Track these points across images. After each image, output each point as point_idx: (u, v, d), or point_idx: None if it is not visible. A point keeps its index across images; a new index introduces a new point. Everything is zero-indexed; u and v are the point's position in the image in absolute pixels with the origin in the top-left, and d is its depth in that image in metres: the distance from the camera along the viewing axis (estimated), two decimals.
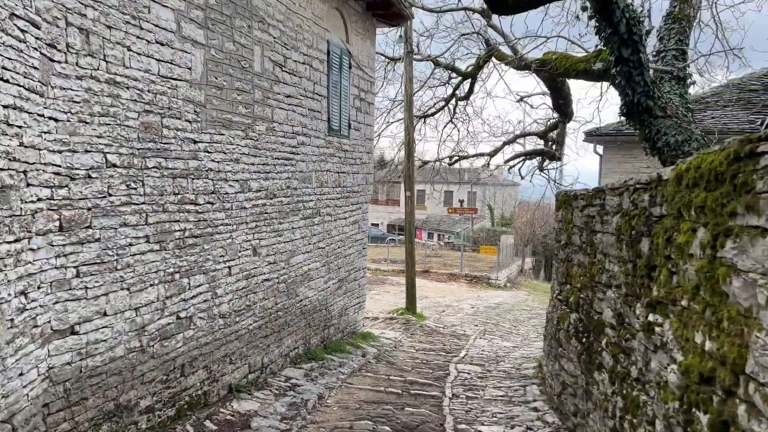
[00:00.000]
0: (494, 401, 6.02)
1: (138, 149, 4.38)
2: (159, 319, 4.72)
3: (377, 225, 54.10)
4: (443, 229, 47.97)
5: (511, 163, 12.47)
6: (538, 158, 12.41)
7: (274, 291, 6.52)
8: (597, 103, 11.27)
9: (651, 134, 6.89)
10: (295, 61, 6.73)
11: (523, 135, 12.07)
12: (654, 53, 7.64)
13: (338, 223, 8.18)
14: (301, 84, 6.89)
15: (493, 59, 10.66)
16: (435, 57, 11.84)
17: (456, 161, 12.89)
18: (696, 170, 2.48)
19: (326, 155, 7.69)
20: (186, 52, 4.87)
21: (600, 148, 14.46)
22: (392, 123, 13.61)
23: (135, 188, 4.37)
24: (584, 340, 4.57)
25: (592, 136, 13.52)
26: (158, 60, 4.56)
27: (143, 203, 4.46)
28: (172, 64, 4.71)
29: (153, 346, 4.67)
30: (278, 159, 6.42)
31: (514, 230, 34.61)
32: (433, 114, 13.04)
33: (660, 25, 7.81)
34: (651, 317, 3.09)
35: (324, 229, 7.71)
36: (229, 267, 5.58)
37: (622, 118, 7.39)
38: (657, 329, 2.98)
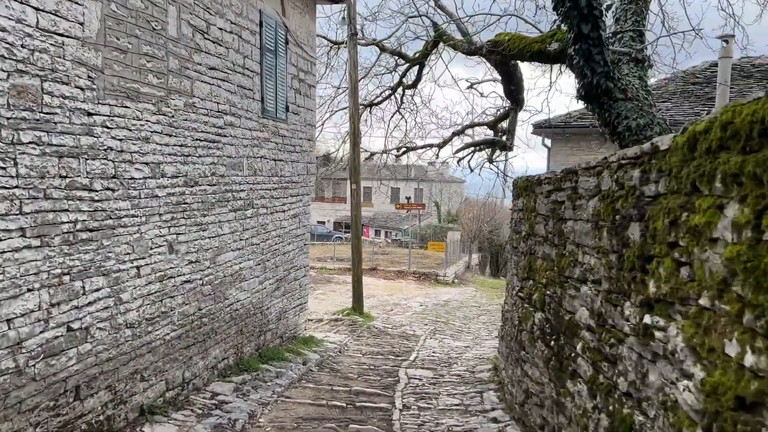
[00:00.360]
0: (449, 411, 5.41)
1: (7, 119, 3.46)
2: (42, 332, 3.80)
3: (323, 223, 53.12)
4: (390, 227, 47.59)
5: (460, 154, 12.02)
6: (487, 150, 11.99)
7: (197, 294, 5.66)
8: (546, 93, 11.07)
9: (611, 118, 6.48)
10: (221, 28, 5.87)
11: (473, 125, 11.61)
12: (611, 35, 7.26)
13: (275, 217, 7.37)
14: (229, 56, 6.04)
15: (442, 44, 10.11)
16: (380, 41, 11.19)
17: (404, 153, 12.30)
18: (724, 129, 1.90)
19: (260, 140, 6.86)
20: (76, 2, 3.96)
21: (549, 141, 14.25)
22: (337, 112, 12.93)
23: (3, 168, 3.45)
24: (553, 343, 4.01)
25: (541, 128, 13.24)
26: (36, 8, 3.64)
27: (16, 187, 3.54)
28: (56, 15, 3.80)
29: (34, 365, 3.75)
30: (200, 141, 5.56)
31: (461, 226, 34.57)
32: (379, 103, 12.38)
33: (616, 5, 7.45)
34: (648, 319, 2.51)
35: (258, 223, 6.88)
36: (138, 267, 4.68)
37: (579, 102, 6.96)
38: (657, 334, 2.41)
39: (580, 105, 7.62)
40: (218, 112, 5.88)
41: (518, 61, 8.20)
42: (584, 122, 13.54)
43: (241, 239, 6.46)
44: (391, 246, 40.28)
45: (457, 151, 10.99)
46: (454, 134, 11.44)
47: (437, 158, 12.69)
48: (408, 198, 50.25)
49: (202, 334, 5.78)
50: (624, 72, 6.85)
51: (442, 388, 6.23)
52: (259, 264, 6.95)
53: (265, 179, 7.01)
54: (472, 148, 11.92)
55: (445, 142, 11.72)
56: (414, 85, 11.71)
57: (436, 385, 6.37)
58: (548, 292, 4.22)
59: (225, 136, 6.04)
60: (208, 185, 5.73)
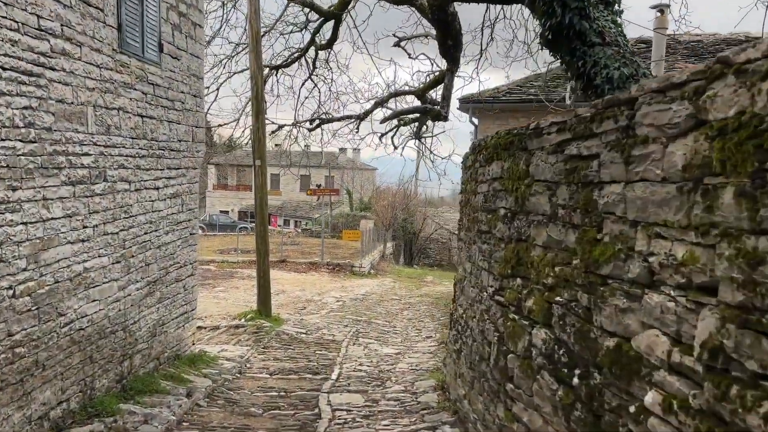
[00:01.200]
0: None
1: None
2: None
3: (227, 212, 49.82)
4: (300, 216, 45.43)
5: (384, 127, 10.45)
6: (413, 125, 10.52)
7: (8, 311, 3.63)
8: (476, 62, 9.75)
9: (585, 68, 5.15)
10: None
11: (398, 94, 10.05)
12: None
13: (144, 196, 5.36)
14: None
15: None
16: None
17: (317, 126, 10.50)
18: None
19: (118, 84, 4.83)
20: None
21: (476, 119, 13.08)
22: (236, 74, 10.84)
23: None
24: (577, 381, 2.52)
25: (468, 103, 11.99)
26: None
27: None
28: None
29: None
30: (2, 69, 3.50)
31: (375, 214, 33.27)
32: (287, 65, 10.42)
33: None
34: None
35: (116, 204, 4.87)
36: None
37: (543, 49, 5.59)
38: None
39: (507, 79, 6.35)
40: (39, 30, 3.81)
41: (459, 2, 6.72)
42: (513, 98, 12.51)
43: (85, 226, 4.43)
44: (302, 236, 38.20)
45: (384, 120, 9.43)
46: (377, 104, 9.84)
47: (357, 132, 11.06)
48: (319, 185, 48.22)
49: (17, 371, 3.75)
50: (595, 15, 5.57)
51: (378, 424, 4.63)
52: (118, 261, 4.93)
53: (127, 142, 4.99)
54: (397, 122, 10.41)
55: (366, 114, 10.11)
56: (329, 45, 9.91)
57: (371, 419, 4.75)
58: (559, 299, 2.72)
59: (53, 69, 3.98)
60: (21, 141, 3.67)
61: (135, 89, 5.10)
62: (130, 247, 5.12)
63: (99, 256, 4.62)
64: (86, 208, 4.40)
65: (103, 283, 4.71)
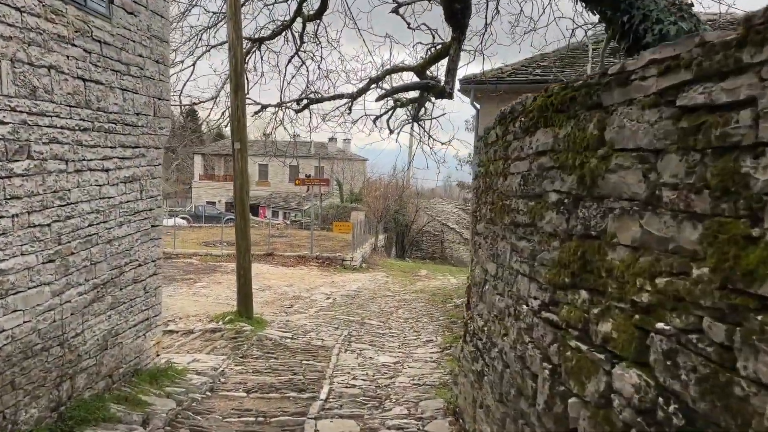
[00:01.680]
0: None
1: None
2: None
3: (214, 203, 48.61)
4: (289, 207, 44.38)
5: (379, 108, 9.43)
6: (412, 106, 9.52)
7: None
8: (480, 37, 8.71)
9: (633, 24, 4.20)
10: None
11: (395, 70, 9.02)
12: None
13: (88, 178, 4.35)
14: None
15: None
16: None
17: (305, 106, 9.46)
18: None
19: (49, 37, 3.80)
20: None
21: (478, 104, 12.12)
22: (214, 47, 9.74)
23: None
24: None
25: (470, 83, 11.02)
26: None
27: None
28: None
29: None
30: None
31: (366, 206, 32.30)
32: (270, 37, 9.35)
33: None
34: None
35: (46, 188, 3.85)
36: None
37: (580, 6, 4.62)
38: None
39: (518, 53, 5.41)
40: None
41: None
42: (519, 78, 11.56)
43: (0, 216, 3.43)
44: (291, 228, 37.17)
45: (380, 98, 8.40)
46: (372, 82, 8.82)
47: (349, 114, 10.05)
48: (308, 175, 47.09)
49: None
50: None
51: None
52: (51, 261, 3.93)
53: (62, 110, 3.97)
54: (394, 103, 9.40)
55: (359, 93, 9.08)
56: (318, 15, 8.85)
57: None
58: (664, 327, 1.78)
59: None
60: None
61: (74, 45, 4.07)
62: (69, 242, 4.11)
63: (21, 255, 3.61)
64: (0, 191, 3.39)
65: (29, 288, 3.71)
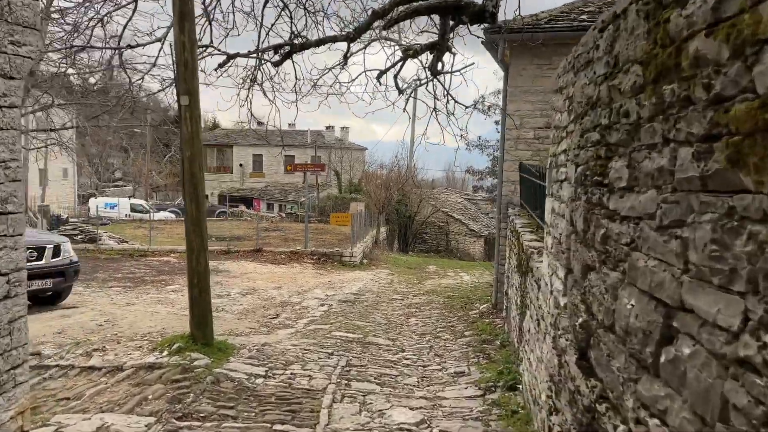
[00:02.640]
0: None
1: None
2: None
3: (206, 196, 46.18)
4: (285, 199, 41.96)
5: (383, 62, 7.08)
6: (427, 56, 7.09)
7: None
8: None
9: None
10: None
11: (404, 1, 6.50)
12: None
13: None
14: None
15: None
16: None
17: (287, 56, 7.02)
18: None
19: None
20: None
21: (506, 61, 9.71)
22: None
23: None
24: None
25: (497, 33, 8.63)
26: None
27: None
28: None
29: None
30: None
31: (367, 196, 29.90)
32: None
33: None
34: None
35: None
36: None
37: None
38: None
39: None
40: None
41: None
42: (561, 25, 9.15)
43: None
44: (286, 221, 34.78)
45: (387, 25, 5.96)
46: (375, 16, 6.38)
47: (344, 67, 7.62)
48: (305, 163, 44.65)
49: None
50: None
51: None
52: None
53: None
54: (403, 53, 6.93)
55: (358, 32, 6.64)
56: None
57: None
58: None
59: None
60: None
61: None
62: None
63: None
64: None
65: None
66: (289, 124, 52.96)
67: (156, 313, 8.86)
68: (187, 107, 5.49)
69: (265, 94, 7.88)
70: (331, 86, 8.28)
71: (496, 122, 24.08)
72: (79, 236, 17.39)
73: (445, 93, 7.46)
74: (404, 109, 8.88)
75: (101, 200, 33.42)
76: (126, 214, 33.20)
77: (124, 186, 51.19)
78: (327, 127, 44.47)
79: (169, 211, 36.29)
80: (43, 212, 26.91)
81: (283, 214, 36.85)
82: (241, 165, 45.99)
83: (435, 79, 7.26)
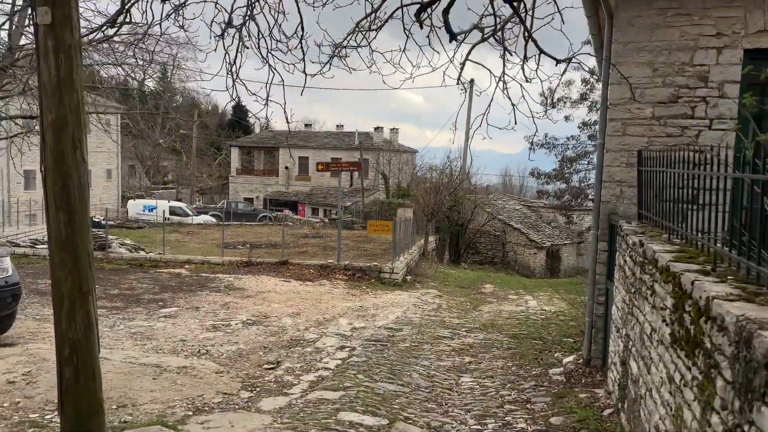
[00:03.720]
0: None
1: None
2: None
3: (252, 200, 44.59)
4: (330, 203, 39.63)
5: None
6: None
7: None
8: None
9: None
10: None
11: None
12: None
13: None
14: None
15: None
16: None
17: None
18: None
19: None
20: None
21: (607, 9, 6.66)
22: None
23: None
24: None
25: None
26: None
27: None
28: None
29: None
30: None
31: (415, 202, 27.03)
32: None
33: None
34: None
35: None
36: None
37: None
38: None
39: None
40: None
41: None
42: None
43: None
44: (329, 227, 32.43)
45: None
46: None
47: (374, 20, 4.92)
48: (336, 159, 42.33)
49: None
50: None
51: None
52: None
53: None
54: None
55: None
56: None
57: None
58: None
59: None
60: None
61: None
62: None
63: None
64: None
65: None
66: (336, 126, 50.98)
67: (107, 360, 6.29)
68: (49, 30, 2.89)
69: (258, 50, 5.16)
70: (351, 38, 5.48)
71: (567, 118, 20.69)
72: None
73: (527, 35, 4.52)
74: (458, 79, 6.00)
75: (140, 202, 32.04)
76: (165, 218, 31.70)
77: (173, 188, 50.51)
78: (375, 129, 41.95)
79: (211, 215, 34.67)
80: None
81: (326, 220, 34.49)
82: (286, 168, 44.11)
83: (517, 17, 4.36)
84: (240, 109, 74.06)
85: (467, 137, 28.14)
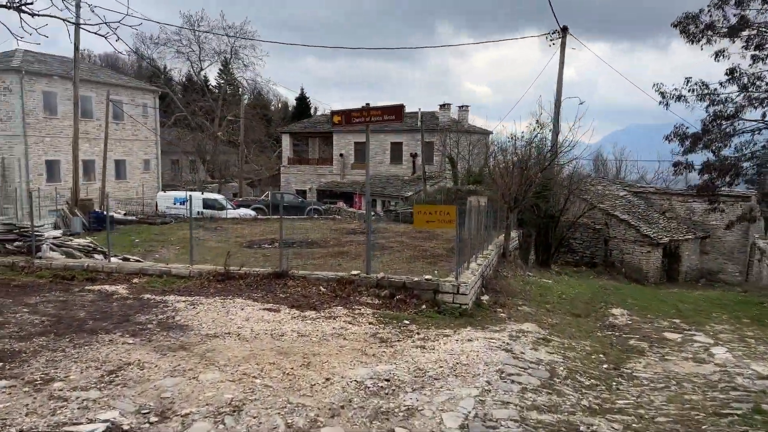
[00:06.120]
0: None
1: None
2: None
3: (304, 192, 39.75)
4: (389, 194, 33.96)
5: None
6: None
7: None
8: None
9: None
10: None
11: None
12: None
13: None
14: None
15: None
16: None
17: None
18: None
19: None
20: None
21: None
22: None
23: None
24: None
25: None
26: None
27: None
28: None
29: None
30: None
31: (493, 185, 20.72)
32: None
33: None
34: None
35: None
36: None
37: None
38: None
39: None
40: None
41: None
42: None
43: None
44: (384, 221, 26.77)
45: None
46: None
47: None
48: (413, 155, 36.41)
49: None
50: None
51: None
52: None
53: None
54: None
55: None
56: None
57: None
58: None
59: None
60: None
61: None
62: None
63: None
64: None
65: None
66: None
67: None
68: None
69: None
70: None
71: (720, 54, 13.71)
72: (15, 242, 10.53)
73: None
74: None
75: (170, 194, 27.75)
76: (198, 211, 27.12)
77: (231, 182, 46.84)
78: (441, 106, 35.74)
79: (253, 208, 29.95)
80: (82, 207, 21.38)
81: (381, 212, 28.78)
82: (341, 155, 38.88)
83: None
84: (303, 101, 70.18)
85: (558, 100, 21.44)
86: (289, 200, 32.48)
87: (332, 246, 17.51)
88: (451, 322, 7.74)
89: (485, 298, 9.43)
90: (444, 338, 6.81)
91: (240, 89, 51.99)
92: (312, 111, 61.30)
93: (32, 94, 26.47)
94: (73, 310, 7.52)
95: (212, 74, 56.88)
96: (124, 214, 25.15)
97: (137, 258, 11.06)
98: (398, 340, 6.66)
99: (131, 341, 6.20)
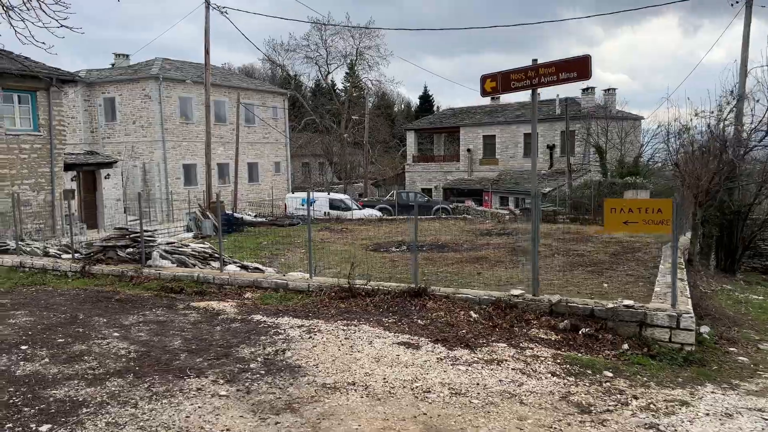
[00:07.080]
0: None
1: None
2: None
3: (430, 191, 37.85)
4: (524, 190, 30.77)
5: None
6: None
7: None
8: None
9: None
10: None
11: None
12: None
13: None
14: None
15: None
16: None
17: None
18: None
19: None
20: None
21: None
22: None
23: None
24: None
25: None
26: None
27: None
28: None
29: None
30: None
31: (679, 176, 16.99)
32: None
33: None
34: None
35: None
36: None
37: None
38: None
39: None
40: None
41: None
42: None
43: None
44: (522, 220, 23.83)
45: None
46: None
47: None
48: (551, 147, 32.75)
49: None
50: None
51: None
52: None
53: None
54: None
55: None
56: None
57: None
58: None
59: None
60: None
61: None
62: None
63: None
64: None
65: None
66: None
67: None
68: None
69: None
70: None
71: None
72: (128, 249, 9.67)
73: None
74: None
75: (297, 196, 27.33)
76: (324, 212, 26.31)
77: (356, 182, 46.61)
78: (584, 90, 31.72)
79: (378, 208, 28.65)
80: (214, 210, 21.28)
81: (517, 211, 25.83)
82: (468, 150, 36.33)
83: None
84: (426, 99, 68.66)
85: (744, 65, 17.13)
86: (420, 200, 30.71)
87: (467, 250, 15.31)
88: (677, 374, 5.10)
89: (705, 329, 6.58)
90: (683, 408, 4.24)
91: (364, 90, 51.75)
92: (435, 109, 59.52)
93: (169, 100, 27.46)
94: (168, 337, 6.06)
95: (338, 77, 57.56)
96: (255, 216, 25.04)
97: (257, 265, 9.72)
98: (607, 410, 4.23)
99: (223, 392, 4.48)
